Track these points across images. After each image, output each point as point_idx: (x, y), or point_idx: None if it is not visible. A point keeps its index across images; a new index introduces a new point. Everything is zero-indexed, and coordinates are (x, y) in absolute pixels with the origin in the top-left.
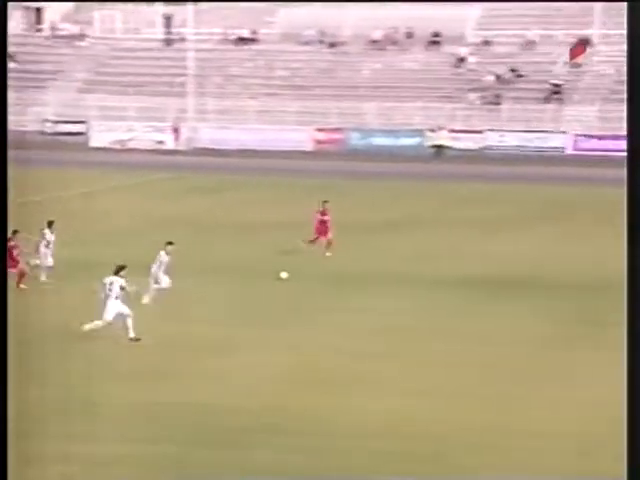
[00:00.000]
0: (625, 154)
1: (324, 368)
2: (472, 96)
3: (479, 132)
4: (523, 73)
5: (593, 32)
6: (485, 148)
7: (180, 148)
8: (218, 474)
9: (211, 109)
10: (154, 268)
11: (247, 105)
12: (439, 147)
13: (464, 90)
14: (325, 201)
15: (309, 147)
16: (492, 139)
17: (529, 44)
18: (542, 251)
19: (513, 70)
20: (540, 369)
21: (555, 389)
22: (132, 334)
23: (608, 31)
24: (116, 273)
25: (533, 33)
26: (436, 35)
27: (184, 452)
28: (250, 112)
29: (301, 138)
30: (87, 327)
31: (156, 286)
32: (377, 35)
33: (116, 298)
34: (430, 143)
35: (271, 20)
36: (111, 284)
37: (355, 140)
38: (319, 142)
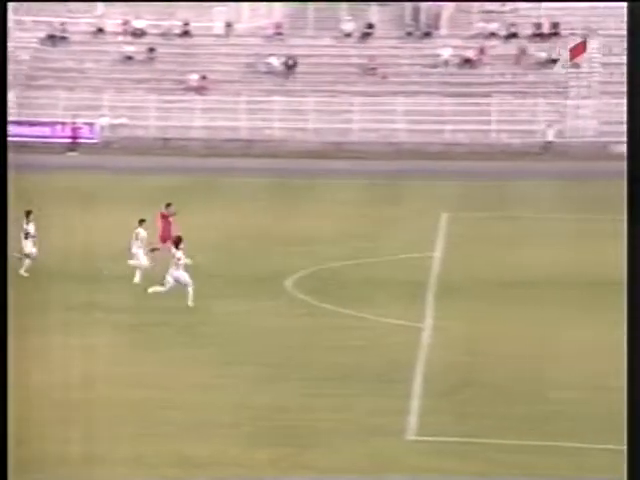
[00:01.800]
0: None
1: None
2: None
3: None
4: None
5: None
6: None
7: None
8: None
9: None
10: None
11: None
12: None
13: None
14: (168, 204)
15: None
16: None
17: None
18: None
19: None
20: None
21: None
22: (190, 302)
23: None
24: (176, 246)
25: None
26: None
27: None
28: None
29: None
30: (150, 290)
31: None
32: None
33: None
34: None
35: None
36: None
37: None
38: None
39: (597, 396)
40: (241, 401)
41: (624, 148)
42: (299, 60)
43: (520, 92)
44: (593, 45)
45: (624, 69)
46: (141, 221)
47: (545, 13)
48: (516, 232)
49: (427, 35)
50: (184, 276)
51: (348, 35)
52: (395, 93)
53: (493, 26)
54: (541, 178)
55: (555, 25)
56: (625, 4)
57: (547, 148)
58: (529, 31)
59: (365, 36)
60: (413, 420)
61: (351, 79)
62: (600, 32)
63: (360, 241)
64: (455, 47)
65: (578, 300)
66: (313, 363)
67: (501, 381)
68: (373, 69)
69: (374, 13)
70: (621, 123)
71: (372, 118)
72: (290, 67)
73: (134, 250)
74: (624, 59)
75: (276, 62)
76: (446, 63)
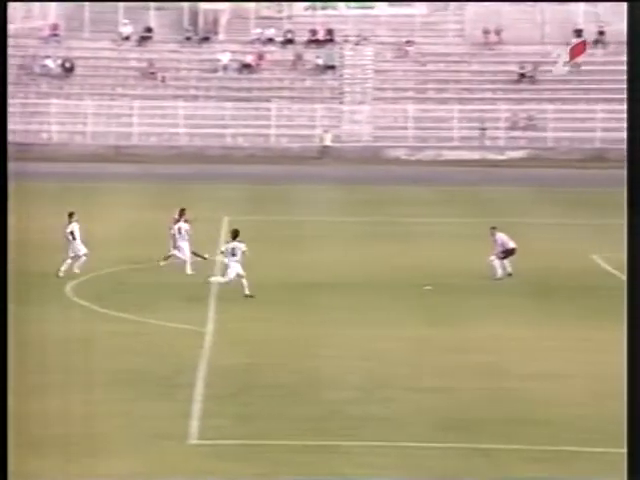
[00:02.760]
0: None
1: None
2: None
3: None
4: None
5: None
6: None
7: None
8: None
9: None
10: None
11: None
12: None
13: None
14: (182, 209)
15: None
16: None
17: None
18: None
19: None
20: None
21: None
22: (247, 291)
23: None
24: (234, 238)
25: None
26: None
27: None
28: None
29: None
30: (212, 279)
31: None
32: None
33: (236, 261)
34: None
35: None
36: (233, 248)
37: None
38: None
39: (375, 395)
40: (16, 408)
41: (398, 152)
42: (76, 62)
43: (298, 97)
44: (366, 52)
45: (395, 75)
46: (181, 214)
47: (320, 20)
48: (296, 235)
49: (206, 40)
50: (239, 267)
51: (126, 38)
52: (175, 97)
53: (270, 32)
54: (319, 181)
55: (330, 32)
56: (625, 4)
57: (325, 152)
58: (305, 37)
59: (144, 40)
60: (195, 424)
61: (130, 82)
62: (372, 39)
63: (140, 245)
64: (234, 52)
65: (363, 300)
66: (95, 369)
67: (284, 383)
68: (152, 73)
69: (152, 17)
70: (393, 129)
71: (152, 122)
72: (67, 69)
73: (180, 243)
74: (394, 66)
75: (52, 64)
76: (225, 68)
